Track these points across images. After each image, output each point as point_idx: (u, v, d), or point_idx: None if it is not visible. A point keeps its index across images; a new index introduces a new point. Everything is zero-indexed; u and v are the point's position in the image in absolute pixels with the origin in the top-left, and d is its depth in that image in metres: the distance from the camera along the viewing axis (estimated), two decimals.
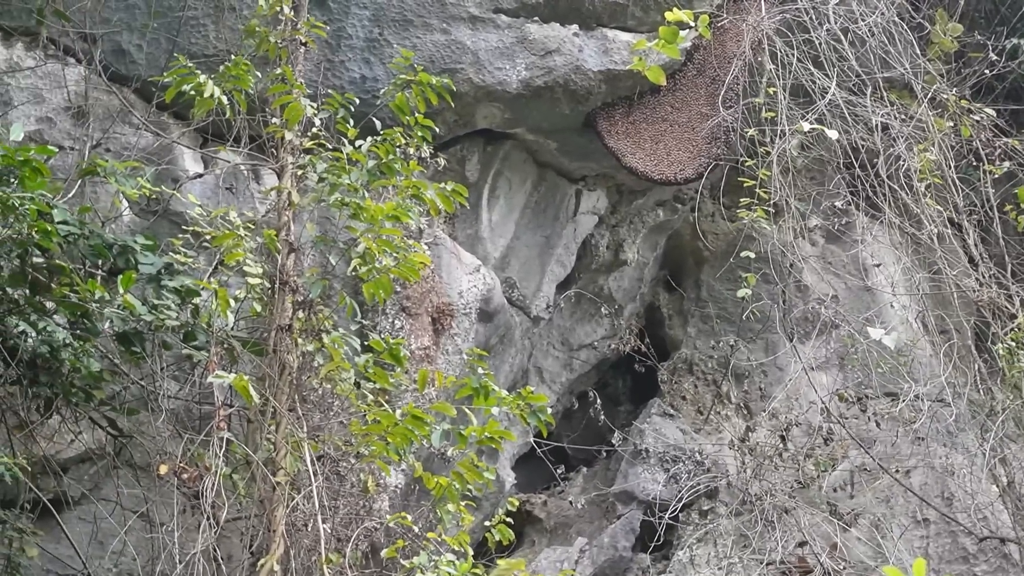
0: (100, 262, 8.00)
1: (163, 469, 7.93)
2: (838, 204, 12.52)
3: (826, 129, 11.03)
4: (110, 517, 8.50)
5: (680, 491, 11.60)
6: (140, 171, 8.54)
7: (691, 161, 11.71)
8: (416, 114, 8.44)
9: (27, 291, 7.58)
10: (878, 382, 11.99)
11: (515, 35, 10.72)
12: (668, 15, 6.53)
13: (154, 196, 8.67)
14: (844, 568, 10.98)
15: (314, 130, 8.38)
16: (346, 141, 8.22)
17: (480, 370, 7.72)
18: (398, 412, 7.55)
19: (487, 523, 8.67)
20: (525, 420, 7.66)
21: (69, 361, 7.61)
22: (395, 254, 7.91)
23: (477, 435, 7.42)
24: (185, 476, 7.96)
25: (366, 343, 8.20)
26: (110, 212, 8.90)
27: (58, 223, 7.50)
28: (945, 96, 12.07)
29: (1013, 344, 10.94)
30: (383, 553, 7.77)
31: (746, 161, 11.49)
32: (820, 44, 11.88)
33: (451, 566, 6.86)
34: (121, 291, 7.63)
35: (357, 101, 8.60)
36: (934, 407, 11.58)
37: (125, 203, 8.92)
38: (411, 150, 8.46)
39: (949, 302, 11.83)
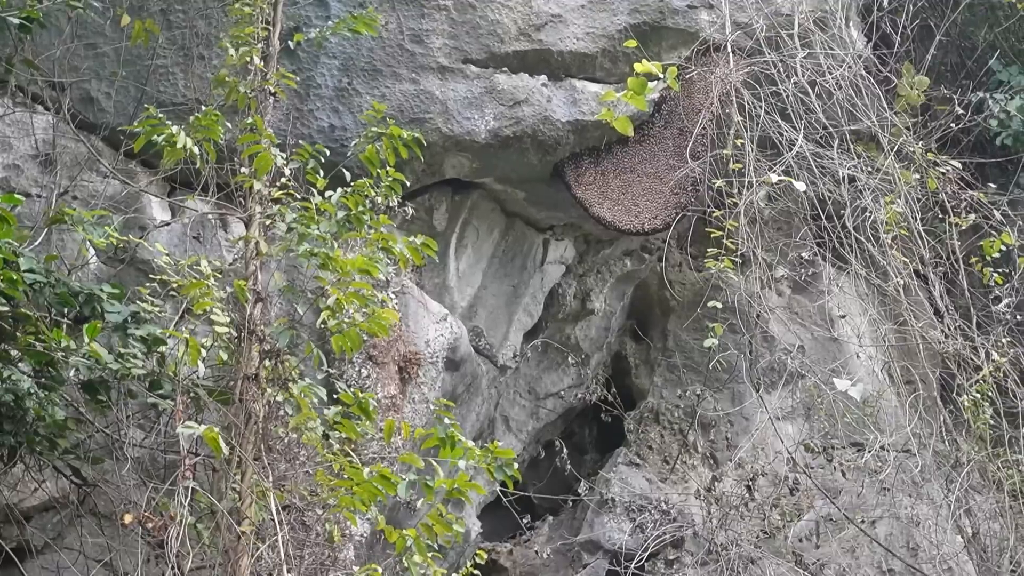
0: (66, 310, 7.96)
1: (127, 518, 7.88)
2: (805, 255, 12.58)
3: (793, 181, 11.07)
4: (73, 567, 8.44)
5: (646, 540, 11.60)
6: (107, 219, 8.49)
7: (659, 211, 11.73)
8: (387, 167, 8.44)
9: None
10: (844, 432, 12.03)
11: (484, 85, 10.74)
12: (636, 67, 6.54)
13: (121, 244, 8.60)
14: None
15: (283, 180, 8.38)
16: (315, 191, 8.22)
17: (447, 420, 7.70)
18: (366, 470, 7.52)
19: (453, 574, 8.65)
20: (492, 474, 7.64)
21: (33, 410, 7.55)
22: (365, 308, 7.92)
23: (446, 487, 7.40)
24: (150, 525, 7.90)
25: (334, 394, 8.19)
26: (77, 260, 8.86)
27: (24, 271, 7.46)
28: (911, 149, 12.13)
29: (978, 396, 11.00)
30: None
31: (713, 212, 11.52)
32: (788, 97, 11.93)
33: None
34: (87, 339, 7.59)
35: (328, 152, 8.61)
36: (900, 458, 11.62)
37: (92, 251, 8.88)
38: (380, 199, 8.46)
39: (915, 353, 11.86)
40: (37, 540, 8.56)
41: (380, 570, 7.79)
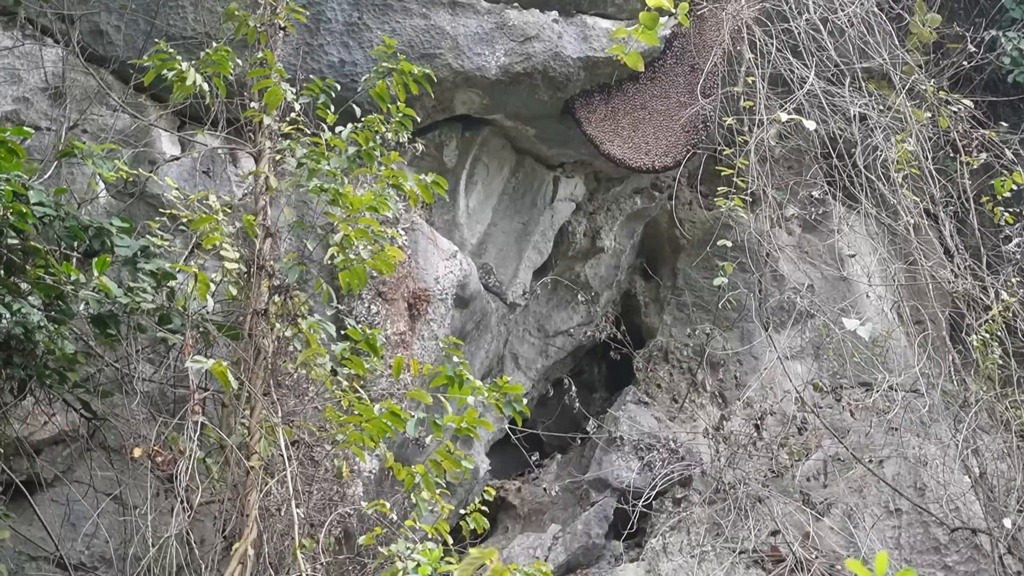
0: (75, 244, 7.94)
1: (137, 452, 7.91)
2: (815, 194, 12.57)
3: (804, 119, 11.03)
4: (83, 500, 8.46)
5: (654, 479, 11.64)
6: (117, 153, 8.48)
7: (669, 149, 11.70)
8: (397, 103, 8.41)
9: (1, 272, 7.52)
10: (853, 372, 12.05)
11: (495, 21, 10.68)
12: (648, 1, 6.51)
13: (131, 179, 8.60)
14: (816, 557, 11.01)
15: (293, 115, 8.36)
16: (325, 127, 8.19)
17: (455, 359, 7.70)
18: (376, 406, 7.53)
19: (461, 511, 8.66)
20: (501, 410, 7.65)
21: (43, 343, 7.55)
22: (371, 246, 7.91)
23: (455, 424, 7.40)
24: (159, 459, 7.94)
25: (342, 330, 8.19)
26: (86, 194, 8.84)
27: (34, 204, 7.45)
28: (923, 87, 12.09)
29: (987, 336, 10.99)
30: (360, 540, 7.76)
31: (724, 150, 11.52)
32: (799, 34, 11.90)
33: (424, 555, 6.83)
34: (96, 273, 7.58)
35: (338, 87, 8.58)
36: (908, 398, 11.63)
37: (102, 185, 8.86)
38: (390, 135, 8.43)
39: (924, 293, 11.86)
40: (47, 473, 8.58)
41: (388, 506, 7.83)
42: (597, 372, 13.76)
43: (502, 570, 4.20)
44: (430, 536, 7.46)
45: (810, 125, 11.09)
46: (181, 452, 7.64)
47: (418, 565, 6.02)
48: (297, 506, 7.50)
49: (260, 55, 8.32)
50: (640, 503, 11.37)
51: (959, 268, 11.69)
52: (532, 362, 12.76)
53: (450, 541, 7.70)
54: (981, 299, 11.49)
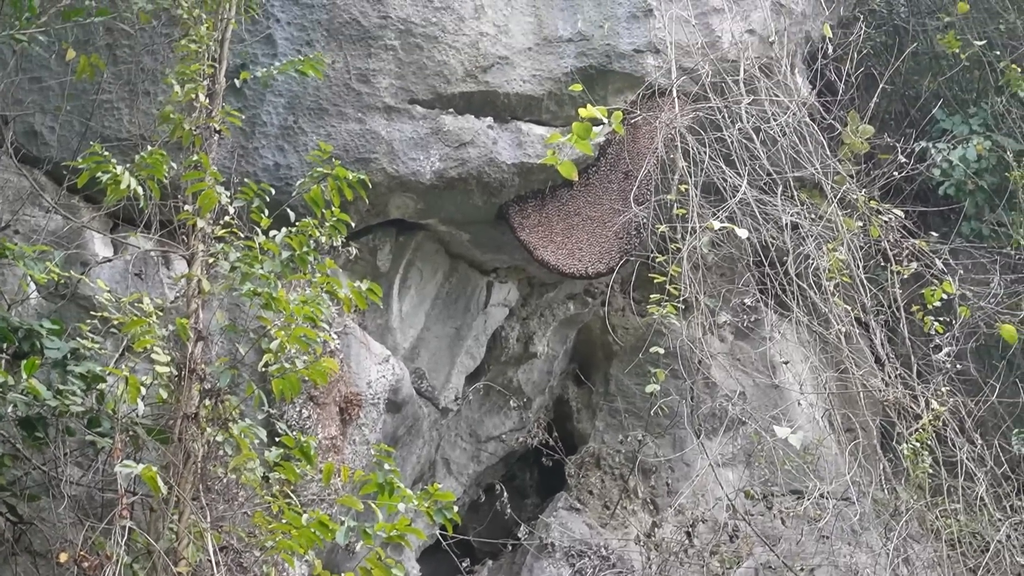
0: (5, 345, 7.89)
1: (63, 557, 7.79)
2: (747, 301, 12.63)
3: (736, 227, 11.10)
4: None
5: None
6: (49, 255, 8.44)
7: (602, 256, 11.74)
8: (331, 207, 8.42)
9: None
10: (784, 480, 12.05)
11: (430, 126, 10.72)
12: (582, 111, 6.56)
13: (62, 280, 8.56)
14: None
15: (227, 218, 8.34)
16: (259, 230, 8.18)
17: (386, 466, 7.66)
18: (304, 516, 7.47)
19: None
20: (432, 518, 7.60)
21: None
22: (307, 354, 7.91)
23: (385, 532, 7.34)
24: (85, 564, 7.81)
25: (273, 434, 8.15)
26: (17, 295, 8.77)
27: None
28: (855, 196, 12.20)
29: (918, 444, 11.03)
30: None
31: (657, 257, 11.56)
32: (732, 142, 11.99)
33: None
34: (25, 376, 7.52)
35: (272, 191, 8.58)
36: (839, 505, 11.65)
37: (33, 287, 8.79)
38: (324, 239, 8.42)
39: (855, 401, 11.90)
40: None
41: None
42: (529, 478, 13.72)
43: None
44: None
45: (742, 233, 11.15)
46: (108, 557, 7.54)
47: None
48: None
49: (195, 158, 8.32)
50: None
51: (890, 377, 11.75)
52: (464, 467, 12.71)
53: None
54: (912, 408, 11.54)
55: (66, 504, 8.16)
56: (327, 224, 8.40)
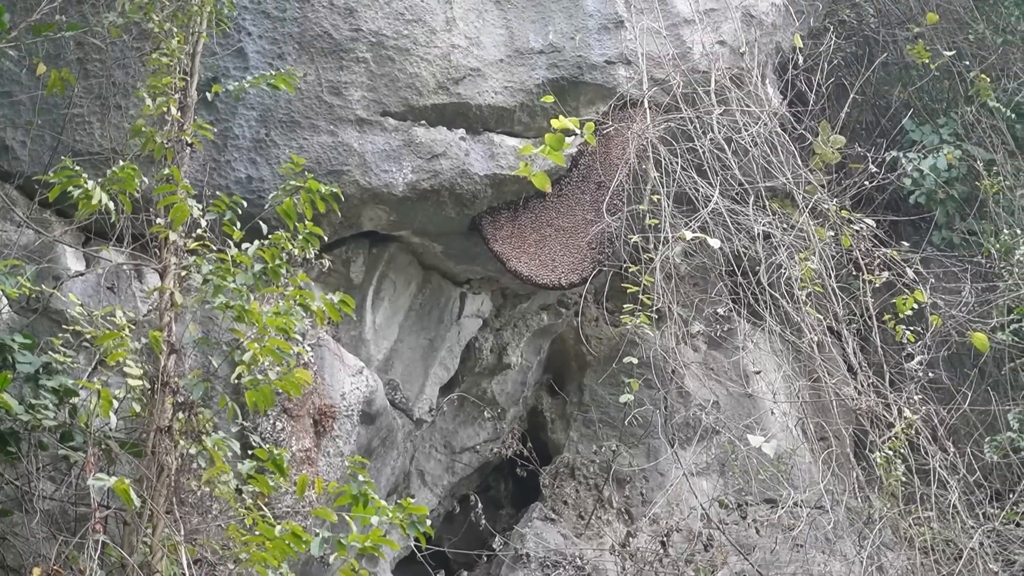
0: None
1: (36, 572, 7.77)
2: (720, 311, 12.65)
3: (708, 237, 11.14)
4: None
5: None
6: (20, 269, 8.43)
7: (575, 266, 11.77)
8: (304, 220, 8.42)
9: None
10: (758, 489, 12.08)
11: (402, 138, 10.72)
12: (554, 122, 6.59)
13: (34, 294, 8.54)
14: None
15: (199, 231, 8.34)
16: (232, 243, 8.19)
17: (360, 478, 7.67)
18: (278, 528, 7.47)
19: None
20: (405, 530, 7.61)
21: None
22: (280, 366, 7.92)
23: (359, 543, 7.35)
24: None
25: (247, 446, 8.15)
26: None
27: None
28: (826, 206, 12.24)
29: (890, 453, 11.06)
30: None
31: (630, 267, 11.58)
32: (704, 153, 12.02)
33: None
34: None
35: (245, 204, 8.59)
36: (813, 514, 11.67)
37: (4, 301, 8.75)
38: (296, 252, 8.42)
39: (828, 410, 11.94)
40: None
41: None
42: (504, 488, 13.72)
43: None
44: None
45: (714, 243, 11.20)
46: (82, 572, 7.55)
47: None
48: None
49: (167, 171, 8.33)
50: None
51: (862, 385, 11.79)
52: (438, 479, 12.71)
53: None
54: (884, 416, 11.57)
55: (39, 519, 8.15)
56: (300, 237, 8.41)
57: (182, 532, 7.74)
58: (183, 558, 7.56)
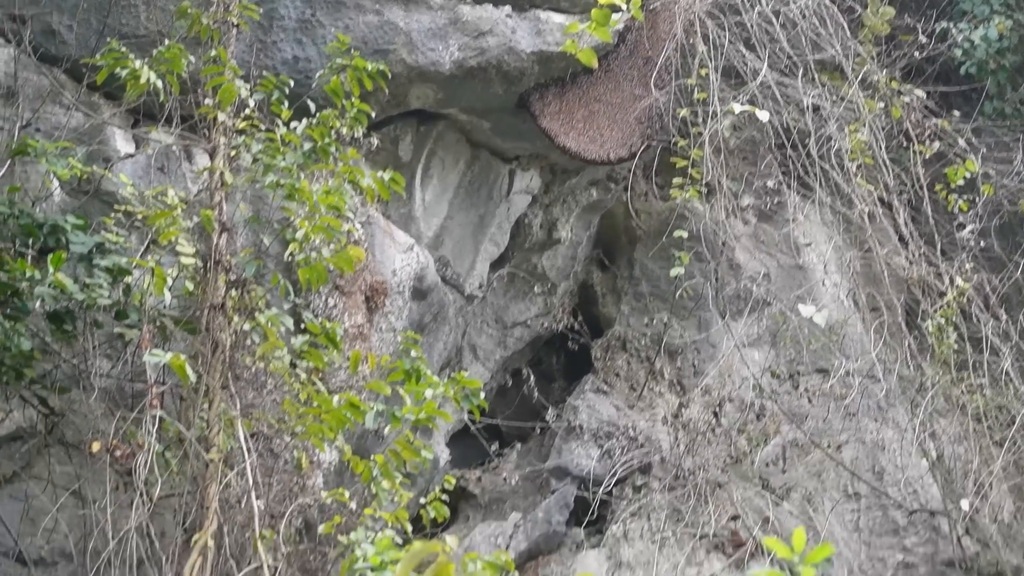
0: (30, 241, 7.95)
1: (95, 446, 7.90)
2: (770, 184, 12.65)
3: (757, 110, 11.12)
4: (42, 495, 8.43)
5: (613, 466, 11.67)
6: (71, 151, 8.49)
7: (624, 141, 11.76)
8: (351, 98, 8.44)
9: None
10: (809, 359, 12.11)
11: (448, 16, 10.70)
12: None
13: (85, 176, 8.59)
14: None
15: (247, 111, 8.38)
16: (280, 123, 8.23)
17: (413, 353, 7.75)
18: (335, 398, 7.56)
19: (422, 500, 8.72)
20: (459, 404, 7.69)
21: None
22: (332, 243, 7.97)
23: (413, 415, 7.43)
24: (118, 454, 7.95)
25: (301, 324, 8.23)
26: (40, 192, 8.82)
27: None
28: (876, 78, 12.18)
29: (942, 321, 11.08)
30: (320, 529, 7.82)
31: (678, 141, 11.57)
32: (752, 26, 11.97)
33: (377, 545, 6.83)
34: (52, 270, 7.58)
35: (292, 83, 8.62)
36: (865, 383, 11.72)
37: (56, 183, 8.84)
38: (345, 131, 8.46)
39: (880, 280, 11.95)
40: (5, 469, 8.54)
41: (348, 495, 7.86)
42: (555, 362, 13.81)
43: (447, 565, 4.20)
44: (390, 525, 7.51)
45: (763, 116, 11.18)
46: (140, 446, 7.67)
47: (369, 555, 6.00)
48: (257, 497, 7.54)
49: (213, 52, 8.36)
50: (600, 490, 11.42)
51: (914, 255, 11.79)
52: (490, 353, 12.80)
53: (409, 529, 7.74)
54: (936, 285, 11.59)
55: (96, 395, 8.25)
56: (348, 115, 8.44)
57: (238, 407, 7.83)
58: (239, 432, 7.67)
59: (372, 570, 5.56)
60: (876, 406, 11.97)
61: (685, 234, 11.69)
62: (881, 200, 12.17)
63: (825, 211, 12.52)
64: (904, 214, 12.02)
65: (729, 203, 12.17)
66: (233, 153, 8.41)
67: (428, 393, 7.55)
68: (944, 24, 13.73)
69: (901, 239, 12.19)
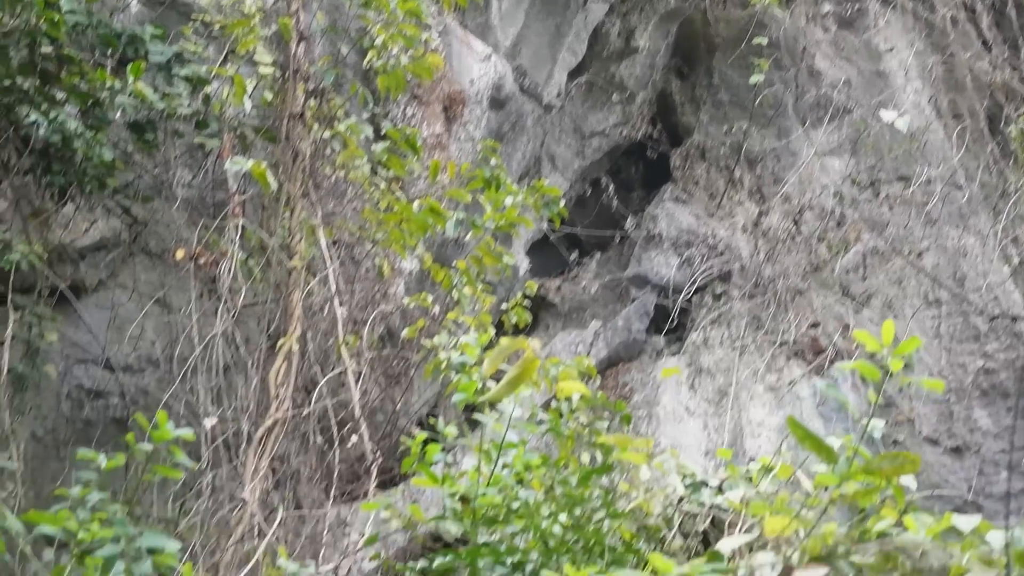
0: (109, 52, 7.93)
1: (179, 254, 7.96)
2: None
3: None
4: (127, 303, 8.53)
5: (693, 275, 11.68)
6: None
7: None
8: None
9: (37, 81, 7.52)
10: (890, 166, 12.02)
11: None
12: None
13: None
14: (857, 347, 11.08)
15: None
16: None
17: (492, 161, 7.73)
18: (415, 203, 7.57)
19: (502, 307, 8.77)
20: (539, 211, 7.69)
21: (81, 150, 7.55)
22: (410, 51, 7.92)
23: (495, 221, 7.43)
24: (201, 261, 8.00)
25: (381, 133, 8.22)
26: (118, 2, 8.79)
27: (66, 12, 7.43)
28: None
29: None
30: (404, 333, 7.88)
31: None
32: None
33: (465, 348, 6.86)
34: (131, 79, 7.58)
35: None
36: (946, 190, 11.63)
37: None
38: None
39: (962, 86, 11.81)
40: (91, 278, 8.61)
41: (431, 299, 7.91)
42: (634, 171, 13.74)
43: (534, 360, 4.22)
44: (473, 328, 7.55)
45: None
46: (223, 254, 7.71)
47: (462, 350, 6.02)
48: (340, 304, 7.60)
49: None
50: (680, 298, 11.44)
51: (997, 60, 11.63)
52: (569, 163, 12.75)
53: (492, 333, 7.78)
54: (1019, 90, 11.43)
55: (179, 204, 8.31)
56: None
57: (319, 215, 7.85)
58: (321, 239, 7.70)
59: (457, 370, 5.60)
60: (957, 213, 11.88)
61: (764, 41, 11.56)
62: (964, 4, 11.97)
63: (907, 16, 12.33)
64: (988, 18, 11.82)
65: (809, 9, 12.00)
66: None
67: (508, 200, 7.55)
68: None
69: (984, 43, 12.02)
